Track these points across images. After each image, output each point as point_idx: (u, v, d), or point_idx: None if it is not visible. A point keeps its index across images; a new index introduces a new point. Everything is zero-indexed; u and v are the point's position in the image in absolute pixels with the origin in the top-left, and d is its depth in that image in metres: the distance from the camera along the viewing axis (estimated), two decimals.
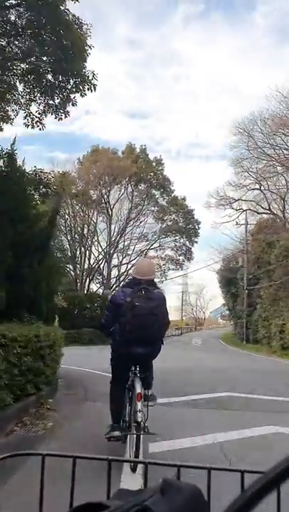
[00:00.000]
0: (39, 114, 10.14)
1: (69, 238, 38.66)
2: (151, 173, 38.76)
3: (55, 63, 8.91)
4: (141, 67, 76.86)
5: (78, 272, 37.51)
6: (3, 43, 9.34)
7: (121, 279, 39.69)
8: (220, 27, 70.25)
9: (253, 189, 35.81)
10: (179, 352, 25.00)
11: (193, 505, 0.48)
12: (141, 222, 39.20)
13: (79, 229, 37.89)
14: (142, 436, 3.90)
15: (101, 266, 38.30)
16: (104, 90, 71.40)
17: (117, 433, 4.18)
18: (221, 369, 13.90)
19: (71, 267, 36.74)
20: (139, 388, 4.06)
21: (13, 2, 8.81)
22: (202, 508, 0.50)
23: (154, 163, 39.12)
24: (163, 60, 74.83)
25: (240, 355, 23.70)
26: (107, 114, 73.83)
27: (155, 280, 4.69)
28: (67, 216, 38.86)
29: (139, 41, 70.38)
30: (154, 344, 4.30)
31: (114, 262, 39.49)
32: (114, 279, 38.98)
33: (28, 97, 10.03)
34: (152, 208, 39.62)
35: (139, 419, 3.86)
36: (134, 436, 3.93)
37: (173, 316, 71.22)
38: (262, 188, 35.18)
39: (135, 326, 4.11)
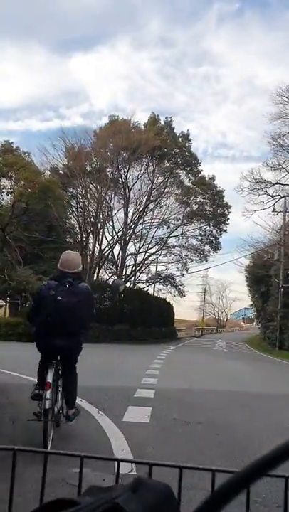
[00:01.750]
0: None
1: (80, 220, 34.13)
2: (177, 150, 33.69)
3: None
4: (171, 66, 72.74)
5: (88, 260, 32.93)
6: None
7: (137, 269, 35.00)
8: (254, 27, 65.45)
9: None
10: (201, 359, 19.64)
11: (164, 504, 0.47)
12: (162, 206, 34.25)
13: (91, 210, 33.29)
14: (49, 423, 4.20)
15: (115, 253, 33.64)
16: (133, 87, 67.49)
17: (37, 392, 4.42)
18: None
19: (80, 252, 32.24)
20: (49, 378, 4.29)
21: None
22: (173, 506, 0.49)
23: (180, 139, 34.05)
24: (194, 58, 70.72)
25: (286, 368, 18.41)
26: (136, 112, 70.28)
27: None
28: (79, 196, 34.37)
29: (170, 39, 66.21)
30: (72, 338, 4.48)
31: (131, 250, 34.76)
32: (130, 269, 34.21)
33: None
34: (176, 191, 34.58)
35: (47, 407, 4.17)
36: (42, 423, 4.19)
37: (193, 315, 66.33)
38: None
39: (55, 320, 4.30)
